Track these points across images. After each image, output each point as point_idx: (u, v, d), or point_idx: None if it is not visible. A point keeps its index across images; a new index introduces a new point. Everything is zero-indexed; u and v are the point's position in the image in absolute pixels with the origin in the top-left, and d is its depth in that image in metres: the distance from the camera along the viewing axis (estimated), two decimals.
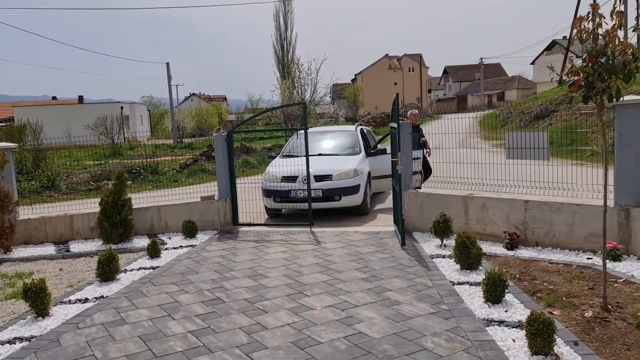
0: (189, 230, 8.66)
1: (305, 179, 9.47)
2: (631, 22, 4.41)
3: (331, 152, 10.96)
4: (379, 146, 11.40)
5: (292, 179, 9.73)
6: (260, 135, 28.96)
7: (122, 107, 44.03)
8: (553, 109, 27.08)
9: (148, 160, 20.04)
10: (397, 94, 7.12)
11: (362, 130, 11.81)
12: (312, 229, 8.95)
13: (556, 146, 13.50)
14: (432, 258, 6.74)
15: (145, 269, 6.97)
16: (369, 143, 11.44)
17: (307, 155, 8.92)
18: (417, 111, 10.66)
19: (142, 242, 8.57)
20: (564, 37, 74.27)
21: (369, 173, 10.30)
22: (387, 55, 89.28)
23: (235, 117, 60.66)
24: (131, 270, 6.94)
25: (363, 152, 10.75)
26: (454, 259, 6.27)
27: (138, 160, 20.23)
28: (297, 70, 32.95)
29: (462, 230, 7.63)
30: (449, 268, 6.23)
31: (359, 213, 10.16)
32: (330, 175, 9.74)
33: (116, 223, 8.34)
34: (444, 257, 6.74)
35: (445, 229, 7.19)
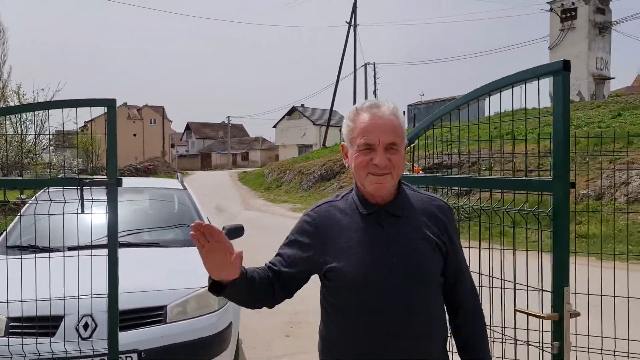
0: None
1: (86, 325, 3.27)
2: None
3: (150, 238, 4.60)
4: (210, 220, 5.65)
5: (40, 322, 3.28)
6: None
7: None
8: (338, 171, 24.32)
9: None
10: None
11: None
12: None
13: None
14: None
15: None
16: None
17: (111, 251, 2.77)
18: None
19: None
20: (302, 105, 78.66)
21: None
22: (125, 103, 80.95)
23: None
24: None
25: None
26: None
27: None
28: (18, 101, 23.70)
29: None
30: None
31: None
32: (162, 307, 3.59)
33: None
34: None
35: None
